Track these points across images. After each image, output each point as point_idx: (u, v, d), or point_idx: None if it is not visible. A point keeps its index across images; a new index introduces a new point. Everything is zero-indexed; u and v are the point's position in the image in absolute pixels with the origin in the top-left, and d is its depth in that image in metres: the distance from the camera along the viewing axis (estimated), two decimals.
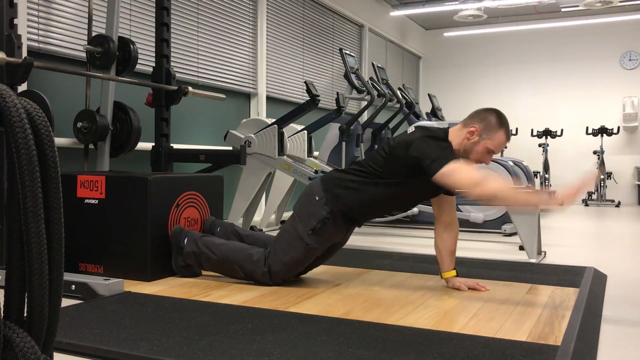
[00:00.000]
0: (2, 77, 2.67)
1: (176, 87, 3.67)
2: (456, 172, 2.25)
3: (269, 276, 2.61)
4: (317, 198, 2.56)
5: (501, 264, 3.28)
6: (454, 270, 2.65)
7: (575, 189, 2.06)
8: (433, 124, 6.49)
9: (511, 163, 5.18)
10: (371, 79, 5.79)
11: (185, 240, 2.78)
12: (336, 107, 4.73)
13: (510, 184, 2.22)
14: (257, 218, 5.01)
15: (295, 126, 4.80)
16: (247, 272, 2.66)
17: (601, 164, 8.25)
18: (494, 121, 2.39)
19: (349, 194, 2.52)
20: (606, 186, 8.34)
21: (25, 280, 0.91)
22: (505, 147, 2.46)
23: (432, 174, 2.29)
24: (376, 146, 6.04)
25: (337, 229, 2.61)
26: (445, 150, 2.34)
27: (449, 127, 2.49)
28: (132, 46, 3.49)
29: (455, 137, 2.43)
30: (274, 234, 3.02)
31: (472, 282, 2.64)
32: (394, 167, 2.45)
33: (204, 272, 2.87)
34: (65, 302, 2.28)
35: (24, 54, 3.07)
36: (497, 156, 6.68)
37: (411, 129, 2.50)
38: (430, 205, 2.70)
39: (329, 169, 4.55)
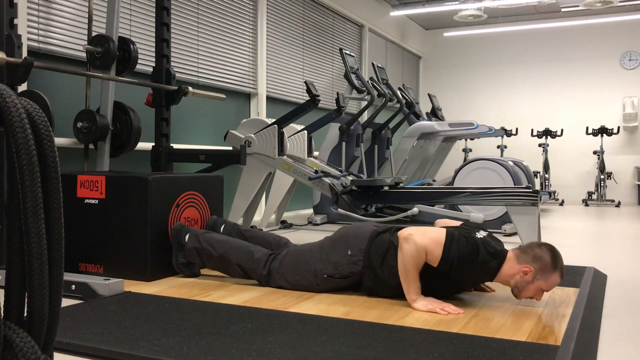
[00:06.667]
0: (2, 77, 2.67)
1: (176, 87, 3.67)
2: (417, 236, 2.23)
3: (267, 280, 2.60)
4: (349, 252, 2.45)
5: None
6: None
7: (435, 308, 2.20)
8: (433, 124, 6.49)
9: (511, 163, 5.18)
10: (371, 79, 5.79)
11: (187, 237, 2.77)
12: (336, 107, 4.73)
13: (415, 278, 2.25)
14: (257, 218, 5.01)
15: (295, 126, 4.80)
16: (245, 270, 2.65)
17: (601, 164, 8.25)
18: (548, 263, 2.23)
19: (386, 271, 2.38)
20: (606, 186, 8.34)
21: (25, 280, 0.91)
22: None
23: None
24: (376, 146, 6.04)
25: (351, 285, 2.52)
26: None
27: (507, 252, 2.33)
28: (132, 46, 3.49)
29: (509, 268, 2.27)
30: (275, 234, 3.01)
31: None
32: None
33: (203, 272, 2.87)
34: (65, 302, 2.28)
35: (24, 54, 3.07)
36: (497, 156, 6.68)
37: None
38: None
39: (329, 169, 4.55)
